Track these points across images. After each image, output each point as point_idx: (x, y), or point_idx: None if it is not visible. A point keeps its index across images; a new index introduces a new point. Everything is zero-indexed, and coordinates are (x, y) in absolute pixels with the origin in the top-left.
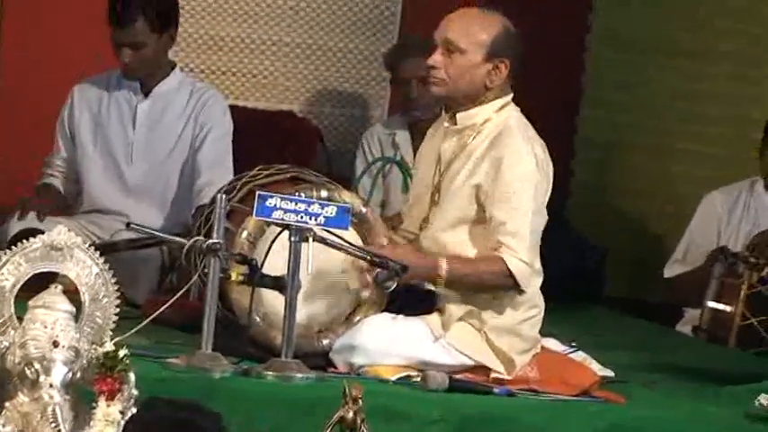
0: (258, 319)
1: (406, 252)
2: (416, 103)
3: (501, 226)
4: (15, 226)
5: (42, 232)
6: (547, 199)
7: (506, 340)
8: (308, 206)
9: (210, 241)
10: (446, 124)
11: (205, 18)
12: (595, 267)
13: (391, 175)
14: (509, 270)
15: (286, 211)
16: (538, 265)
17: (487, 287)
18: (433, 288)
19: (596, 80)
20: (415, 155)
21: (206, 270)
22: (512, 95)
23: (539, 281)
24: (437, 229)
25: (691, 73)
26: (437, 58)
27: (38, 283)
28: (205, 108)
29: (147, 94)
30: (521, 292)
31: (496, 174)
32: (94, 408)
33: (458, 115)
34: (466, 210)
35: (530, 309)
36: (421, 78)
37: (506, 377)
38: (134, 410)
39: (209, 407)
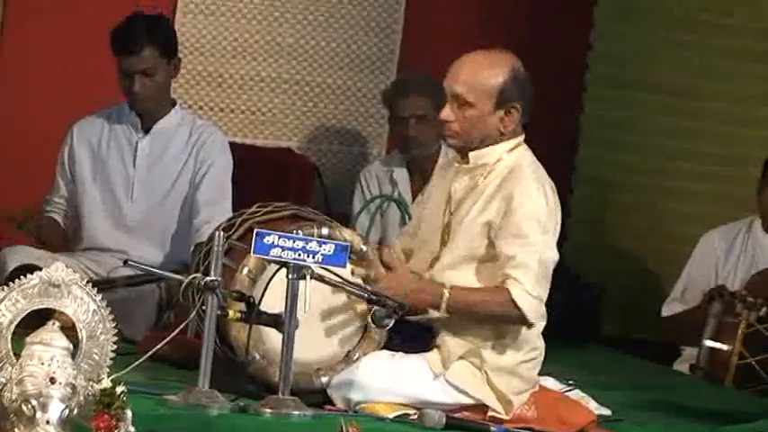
0: (258, 356)
1: (408, 278)
2: (414, 140)
3: (509, 260)
4: (12, 262)
5: (40, 269)
6: (556, 239)
7: (506, 380)
8: (306, 244)
9: (208, 279)
10: (457, 164)
11: (204, 54)
12: (592, 306)
13: (389, 213)
14: (513, 300)
15: (284, 248)
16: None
17: (493, 317)
18: (434, 315)
19: (594, 119)
20: (413, 192)
21: (204, 307)
22: (523, 136)
23: (541, 324)
24: (445, 267)
25: (688, 112)
26: (448, 112)
27: (35, 320)
28: (206, 145)
29: (147, 131)
30: (529, 325)
31: (507, 211)
32: None
33: (470, 154)
34: (475, 247)
35: (531, 350)
36: (418, 116)
37: (504, 417)
38: None
39: None
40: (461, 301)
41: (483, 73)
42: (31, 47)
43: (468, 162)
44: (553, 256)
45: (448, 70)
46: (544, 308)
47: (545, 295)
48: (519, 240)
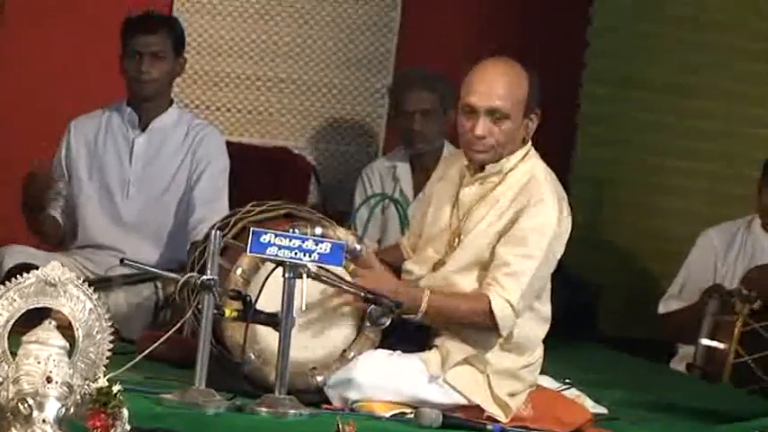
0: (253, 356)
1: (387, 279)
2: (419, 135)
3: (504, 265)
4: (9, 261)
5: (37, 268)
6: (560, 254)
7: (507, 383)
8: (303, 242)
9: (204, 277)
10: (466, 169)
11: (200, 54)
12: (589, 304)
13: (389, 211)
14: (492, 311)
15: (280, 247)
16: (546, 312)
17: (468, 325)
18: (411, 318)
19: (590, 117)
20: (415, 188)
21: (200, 306)
22: (530, 142)
23: (545, 328)
24: (450, 271)
25: (685, 110)
26: (485, 128)
27: (32, 319)
28: (203, 144)
29: (144, 129)
30: (498, 334)
31: (518, 217)
32: None
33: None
34: (482, 254)
35: (532, 354)
36: (424, 111)
37: (503, 419)
38: None
39: None
40: (437, 309)
41: (512, 84)
42: (30, 47)
43: (482, 170)
44: (547, 274)
45: (472, 86)
46: (549, 313)
47: (524, 309)
48: (520, 249)
